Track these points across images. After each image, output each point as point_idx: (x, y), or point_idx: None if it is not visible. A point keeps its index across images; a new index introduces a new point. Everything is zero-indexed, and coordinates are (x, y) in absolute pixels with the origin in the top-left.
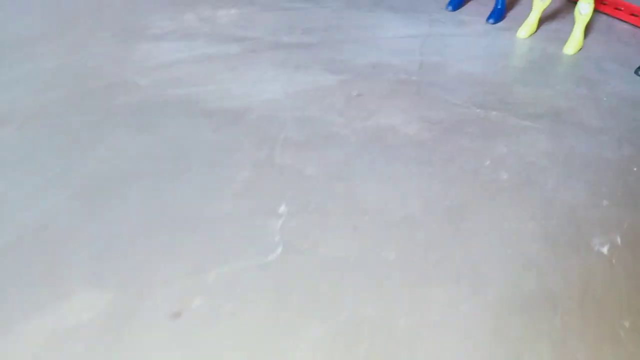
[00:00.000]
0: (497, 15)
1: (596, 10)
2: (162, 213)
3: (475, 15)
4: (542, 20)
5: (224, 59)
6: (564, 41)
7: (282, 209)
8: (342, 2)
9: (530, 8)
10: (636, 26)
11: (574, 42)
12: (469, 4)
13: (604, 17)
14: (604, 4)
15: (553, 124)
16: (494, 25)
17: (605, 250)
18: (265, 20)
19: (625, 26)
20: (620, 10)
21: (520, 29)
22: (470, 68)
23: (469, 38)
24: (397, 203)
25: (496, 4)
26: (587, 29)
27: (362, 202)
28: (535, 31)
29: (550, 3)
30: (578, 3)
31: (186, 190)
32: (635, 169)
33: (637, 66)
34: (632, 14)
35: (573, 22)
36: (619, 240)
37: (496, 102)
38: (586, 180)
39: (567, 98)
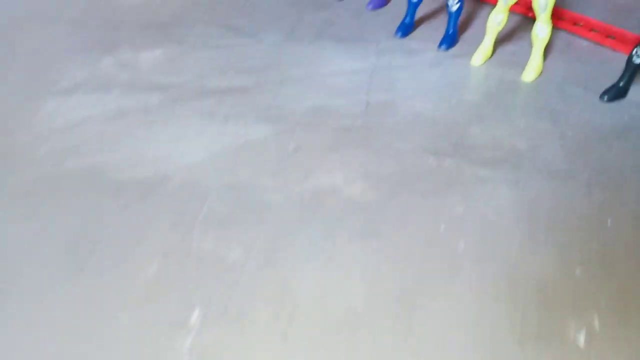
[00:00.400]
0: (449, 40)
1: (554, 27)
2: (46, 326)
3: (426, 41)
4: (498, 42)
5: (141, 113)
6: (522, 65)
7: (195, 317)
8: (282, 34)
9: (484, 31)
10: (597, 43)
11: (533, 67)
12: (420, 29)
13: (562, 34)
14: (562, 20)
15: (514, 171)
16: (446, 51)
17: (581, 339)
18: (194, 62)
19: (585, 43)
20: (579, 25)
21: (475, 55)
22: (421, 106)
23: (419, 69)
24: (336, 293)
25: (447, 29)
26: (546, 48)
27: (295, 296)
28: (491, 56)
29: (506, 23)
30: (535, 25)
31: (77, 296)
32: (609, 222)
33: (602, 90)
34: (592, 30)
35: (531, 44)
36: (596, 323)
37: (450, 147)
38: (555, 242)
39: (529, 136)
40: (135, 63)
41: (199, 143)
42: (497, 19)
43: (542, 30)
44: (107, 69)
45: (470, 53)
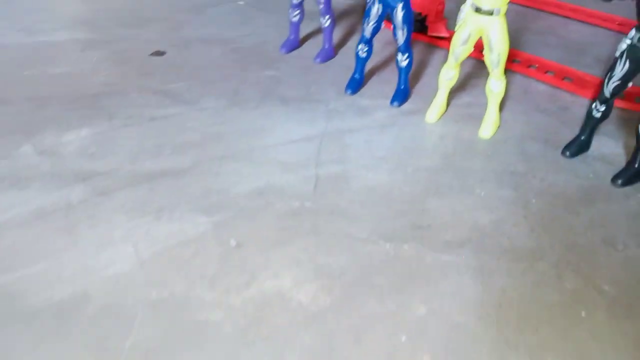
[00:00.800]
0: (401, 96)
1: (509, 70)
2: None
3: (377, 97)
4: (452, 92)
5: (62, 213)
6: (478, 118)
7: None
8: (224, 98)
9: (436, 82)
10: (554, 86)
11: (490, 123)
12: (370, 82)
13: (518, 78)
14: (516, 63)
15: (478, 255)
16: (399, 108)
17: None
18: (125, 140)
19: (541, 87)
20: (535, 68)
21: (429, 111)
22: (375, 178)
23: (372, 132)
24: None
25: (399, 84)
26: (502, 96)
27: None
28: (446, 110)
29: (458, 77)
30: (489, 80)
31: None
32: (583, 314)
33: (564, 143)
34: (547, 72)
35: (485, 95)
36: None
37: (408, 229)
38: (527, 346)
39: (491, 207)
40: (58, 148)
41: (126, 248)
42: (448, 75)
43: (496, 85)
44: (26, 159)
45: (424, 108)
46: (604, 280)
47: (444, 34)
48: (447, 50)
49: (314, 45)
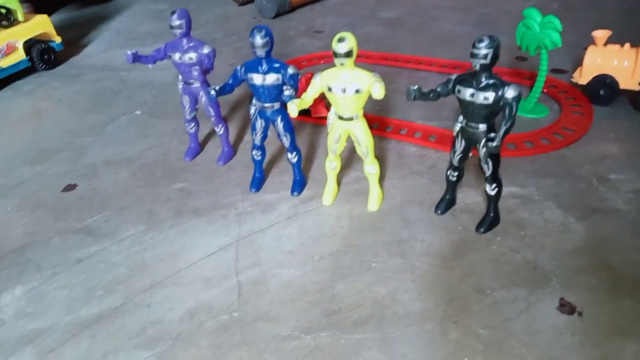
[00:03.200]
0: (299, 186)
1: (383, 138)
2: None
3: (279, 189)
4: (340, 171)
5: None
6: (366, 194)
7: None
8: (141, 223)
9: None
10: (422, 146)
11: (374, 197)
12: (271, 175)
13: (392, 144)
14: (388, 130)
15: (381, 328)
16: (299, 196)
17: None
18: (57, 290)
19: (413, 149)
20: (404, 132)
21: (324, 196)
22: (289, 273)
23: (279, 227)
24: None
25: (295, 176)
26: (380, 164)
27: None
28: (338, 191)
29: (341, 166)
30: (364, 166)
31: None
32: None
33: (436, 202)
34: (415, 134)
35: None
36: None
37: (322, 317)
38: None
39: (385, 278)
40: None
41: None
42: (331, 166)
43: (371, 169)
44: None
45: (320, 191)
46: (479, 325)
47: (325, 114)
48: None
49: (215, 145)
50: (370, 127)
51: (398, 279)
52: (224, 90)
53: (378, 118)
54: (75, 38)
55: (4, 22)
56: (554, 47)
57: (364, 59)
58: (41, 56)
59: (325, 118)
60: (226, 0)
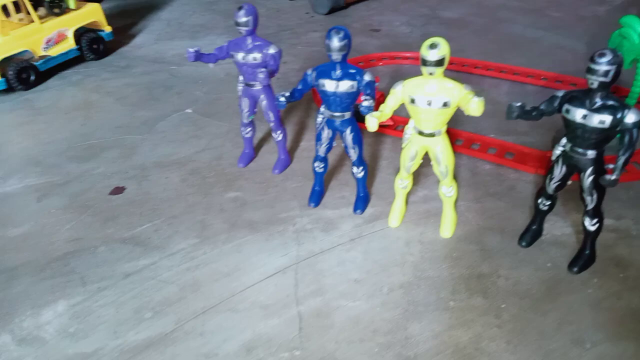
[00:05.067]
0: (363, 203)
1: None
2: None
3: (340, 206)
4: (408, 192)
5: None
6: (437, 216)
7: None
8: (193, 236)
9: (390, 178)
10: (497, 164)
11: (448, 222)
12: (330, 189)
13: (464, 159)
14: (458, 144)
15: None
16: (362, 214)
17: None
18: (103, 309)
19: (487, 166)
20: (477, 147)
21: (391, 217)
22: (355, 307)
23: (342, 250)
24: None
25: (358, 193)
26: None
27: None
28: (405, 211)
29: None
30: (441, 187)
31: None
32: None
33: (519, 231)
34: (489, 149)
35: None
36: None
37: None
38: None
39: (467, 322)
40: (38, 332)
41: None
42: (402, 184)
43: (448, 191)
44: (7, 352)
45: (385, 210)
46: None
47: (388, 122)
48: (393, 136)
49: (270, 151)
50: None
51: (482, 322)
52: (292, 97)
53: (446, 129)
54: (123, 27)
55: (56, 10)
56: None
57: None
58: (90, 46)
59: (387, 126)
60: None
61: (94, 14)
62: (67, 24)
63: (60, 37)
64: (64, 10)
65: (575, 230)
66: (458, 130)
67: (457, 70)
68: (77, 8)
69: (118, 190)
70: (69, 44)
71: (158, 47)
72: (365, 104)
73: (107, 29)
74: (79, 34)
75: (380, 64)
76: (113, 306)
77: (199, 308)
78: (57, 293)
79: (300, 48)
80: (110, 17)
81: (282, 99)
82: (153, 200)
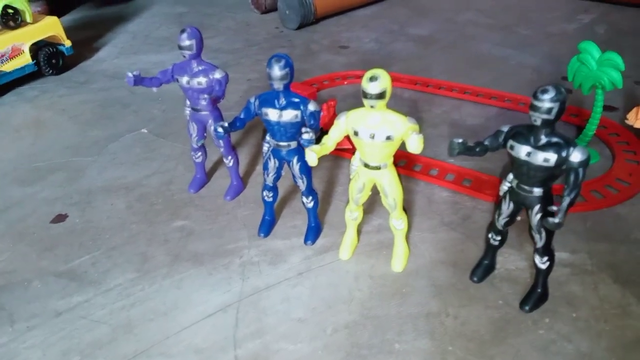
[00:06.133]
0: (314, 234)
1: (412, 178)
2: None
3: (291, 235)
4: (362, 221)
5: None
6: (389, 248)
7: None
8: (132, 269)
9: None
10: (454, 191)
11: (400, 256)
12: (283, 219)
13: (421, 186)
14: (416, 170)
15: None
16: (313, 245)
17: None
18: (29, 351)
19: (444, 193)
20: (435, 173)
21: (341, 249)
22: (296, 351)
23: (288, 285)
24: None
25: (309, 223)
26: (408, 208)
27: None
28: (358, 243)
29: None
30: (391, 219)
31: None
32: None
33: (471, 264)
34: (447, 175)
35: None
36: None
37: None
38: None
39: None
40: None
41: None
42: (352, 216)
43: (398, 224)
44: None
45: (336, 241)
46: None
47: (348, 145)
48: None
49: (223, 176)
50: (396, 165)
51: None
52: (233, 126)
53: (405, 154)
54: (88, 39)
55: (11, 23)
56: (612, 87)
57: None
58: (49, 60)
59: (347, 150)
60: (248, 7)
61: (52, 28)
62: (23, 39)
63: (15, 52)
64: (19, 24)
65: (529, 265)
66: (417, 156)
67: (421, 90)
68: (34, 22)
69: (60, 218)
70: (25, 59)
71: (119, 62)
72: (305, 137)
73: (67, 43)
74: (37, 48)
75: (345, 82)
76: (40, 348)
77: (130, 352)
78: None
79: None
80: (75, 29)
81: (220, 129)
82: (94, 229)
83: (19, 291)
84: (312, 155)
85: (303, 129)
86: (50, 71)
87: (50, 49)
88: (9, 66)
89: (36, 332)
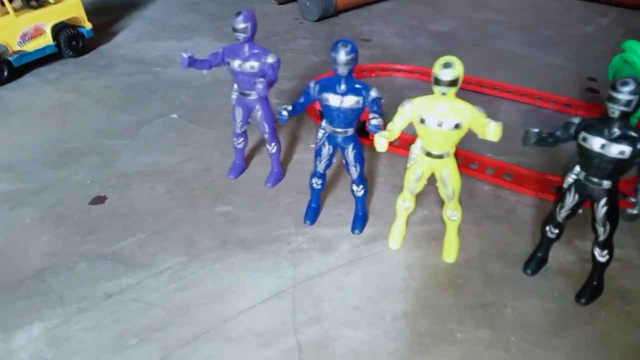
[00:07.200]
0: (361, 223)
1: None
2: None
3: (337, 224)
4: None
5: None
6: (437, 238)
7: None
8: (181, 253)
9: (388, 199)
10: (496, 185)
11: (451, 248)
12: (326, 206)
13: (462, 179)
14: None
15: None
16: (360, 234)
17: None
18: (83, 333)
19: (485, 187)
20: (475, 166)
21: (391, 239)
22: (356, 337)
23: (341, 273)
24: None
25: (356, 212)
26: None
27: None
28: (406, 233)
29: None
30: (445, 209)
31: None
32: None
33: (523, 258)
34: (487, 169)
35: (439, 208)
36: None
37: None
38: None
39: (475, 357)
40: (10, 358)
41: None
42: (405, 205)
43: (453, 215)
44: None
45: (383, 230)
46: None
47: None
48: (389, 152)
49: (261, 163)
50: None
51: (491, 357)
52: (294, 110)
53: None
54: (104, 24)
55: (33, 3)
56: None
57: (419, 76)
58: (69, 42)
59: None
60: None
61: (74, 9)
62: (45, 19)
63: (37, 32)
64: (42, 3)
65: (579, 259)
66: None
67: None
68: (57, 2)
69: (99, 200)
70: (47, 39)
71: (140, 47)
72: (373, 122)
73: (88, 25)
74: (57, 29)
75: (373, 75)
76: (94, 330)
77: (188, 335)
78: (33, 314)
79: (290, 55)
80: (89, 13)
81: (285, 112)
82: (137, 212)
83: (65, 273)
84: (383, 141)
85: (370, 115)
86: (71, 53)
87: (71, 30)
88: (31, 46)
89: (88, 314)
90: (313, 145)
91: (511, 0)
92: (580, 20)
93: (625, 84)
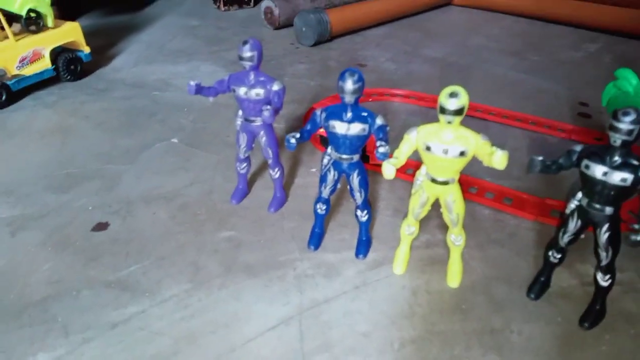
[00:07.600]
0: (365, 248)
1: None
2: None
3: (341, 249)
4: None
5: None
6: (441, 263)
7: None
8: (185, 279)
9: (392, 222)
10: (496, 209)
11: (455, 273)
12: (330, 230)
13: None
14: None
15: None
16: (364, 259)
17: None
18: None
19: (486, 211)
20: (475, 191)
21: (395, 264)
22: None
23: (347, 299)
24: None
25: (360, 237)
26: None
27: None
28: (410, 256)
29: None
30: (449, 235)
31: None
32: None
33: (525, 281)
34: (487, 193)
35: (442, 232)
36: None
37: None
38: None
39: None
40: None
41: None
42: (409, 230)
43: (457, 240)
44: None
45: (388, 255)
46: None
47: None
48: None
49: (263, 187)
50: None
51: None
52: (302, 138)
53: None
54: (101, 47)
55: (33, 27)
56: None
57: (415, 101)
58: (67, 66)
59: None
60: (260, 22)
61: (73, 34)
62: (44, 43)
63: (36, 56)
64: (41, 28)
65: (580, 282)
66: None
67: None
68: (56, 26)
69: (101, 227)
70: (45, 63)
71: (138, 71)
72: (381, 150)
73: (86, 49)
74: (56, 53)
75: (370, 100)
76: (99, 350)
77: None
78: (36, 344)
79: (287, 80)
80: (87, 36)
81: (293, 140)
82: (139, 238)
83: (69, 301)
84: (391, 169)
85: (377, 142)
86: (69, 77)
87: (70, 54)
88: (29, 70)
89: (93, 344)
90: (314, 170)
91: (501, 27)
92: (569, 46)
93: (626, 114)
